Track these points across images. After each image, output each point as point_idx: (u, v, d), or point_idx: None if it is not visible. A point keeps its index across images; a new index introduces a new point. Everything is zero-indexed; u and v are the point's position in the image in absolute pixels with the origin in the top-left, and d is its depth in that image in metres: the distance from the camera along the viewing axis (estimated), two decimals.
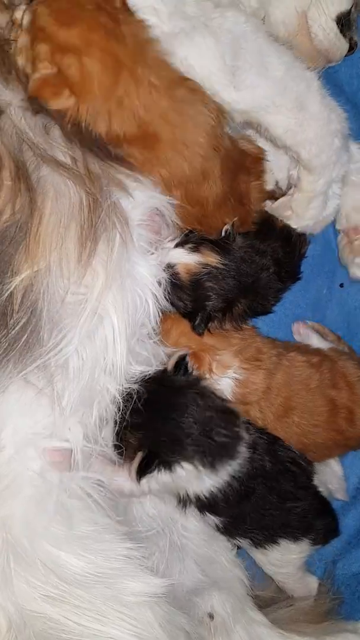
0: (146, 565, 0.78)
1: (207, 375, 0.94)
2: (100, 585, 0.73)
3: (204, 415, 0.86)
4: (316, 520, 0.99)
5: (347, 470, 1.12)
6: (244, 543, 0.98)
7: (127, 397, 0.83)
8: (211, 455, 0.85)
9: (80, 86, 0.71)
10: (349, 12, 0.96)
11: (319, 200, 0.93)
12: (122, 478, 0.86)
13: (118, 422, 0.83)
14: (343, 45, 0.98)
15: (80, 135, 0.74)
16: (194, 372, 0.91)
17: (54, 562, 0.73)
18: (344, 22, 0.96)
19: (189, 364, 0.90)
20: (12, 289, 0.69)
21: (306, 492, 0.98)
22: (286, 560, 1.00)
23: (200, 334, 0.92)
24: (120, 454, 0.85)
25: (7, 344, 0.69)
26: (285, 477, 0.96)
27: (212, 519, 0.94)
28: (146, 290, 0.82)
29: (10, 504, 0.74)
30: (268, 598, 1.07)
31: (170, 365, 0.88)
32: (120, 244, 0.76)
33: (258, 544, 0.97)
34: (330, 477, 1.06)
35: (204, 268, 0.89)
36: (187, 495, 0.89)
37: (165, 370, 0.88)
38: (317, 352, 1.06)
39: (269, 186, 1.00)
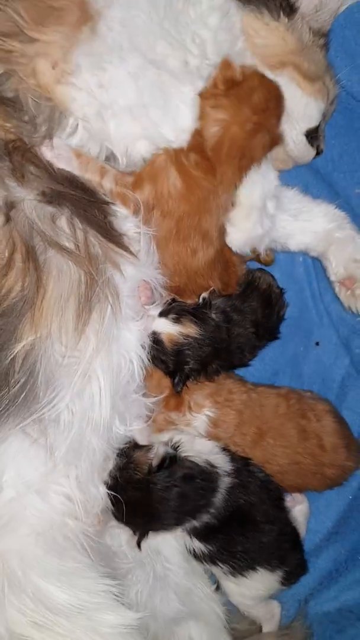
0: (123, 600, 0.86)
1: (186, 413, 1.06)
2: (81, 616, 0.82)
3: (182, 500, 1.00)
4: (291, 551, 1.07)
5: (321, 515, 1.20)
6: (221, 571, 1.06)
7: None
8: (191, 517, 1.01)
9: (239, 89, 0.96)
10: (316, 128, 1.10)
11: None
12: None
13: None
14: (310, 153, 1.12)
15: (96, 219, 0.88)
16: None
17: (43, 593, 0.82)
18: (312, 135, 1.09)
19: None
20: (14, 353, 0.79)
21: (282, 513, 1.08)
22: (257, 591, 1.07)
23: (179, 392, 1.03)
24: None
25: (8, 400, 0.79)
26: (262, 497, 1.05)
27: (197, 545, 1.05)
28: (131, 352, 0.92)
29: (8, 540, 0.83)
30: (244, 630, 1.14)
31: (155, 462, 0.99)
32: (110, 313, 0.87)
33: (237, 570, 1.05)
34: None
35: (185, 339, 1.00)
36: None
37: (142, 475, 0.99)
38: (285, 387, 1.15)
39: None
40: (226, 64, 0.96)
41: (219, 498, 1.02)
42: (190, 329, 1.00)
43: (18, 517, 0.86)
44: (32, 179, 0.83)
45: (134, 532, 1.01)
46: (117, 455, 0.98)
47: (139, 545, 1.00)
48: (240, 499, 1.03)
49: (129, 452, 0.99)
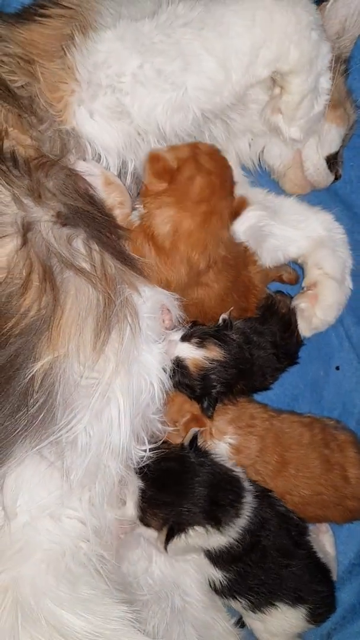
0: (139, 627, 0.83)
1: (208, 439, 1.03)
2: None
3: (212, 485, 0.97)
4: (313, 585, 1.03)
5: (342, 545, 1.17)
6: (242, 606, 1.03)
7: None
8: (218, 517, 0.97)
9: (177, 184, 0.92)
10: (336, 153, 1.10)
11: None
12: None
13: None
14: (329, 178, 1.12)
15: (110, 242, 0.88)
16: (202, 446, 1.01)
17: (57, 620, 0.80)
18: (332, 160, 1.09)
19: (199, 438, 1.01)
20: (33, 372, 0.78)
21: (302, 550, 1.04)
22: (282, 627, 1.03)
23: (211, 417, 1.01)
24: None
25: (26, 421, 0.78)
26: (282, 531, 1.02)
27: (217, 575, 1.02)
28: (152, 375, 0.91)
29: (22, 566, 0.81)
30: None
31: (186, 441, 0.99)
32: (130, 334, 0.86)
33: (257, 606, 1.02)
34: (323, 557, 1.09)
35: (210, 363, 0.99)
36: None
37: (175, 450, 0.99)
38: (308, 415, 1.13)
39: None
40: (154, 157, 0.93)
41: (246, 509, 0.99)
42: (214, 353, 0.99)
43: (31, 542, 0.83)
44: (49, 197, 0.82)
45: (162, 527, 0.97)
46: None
47: (166, 545, 0.96)
48: (260, 527, 1.01)
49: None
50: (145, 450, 0.93)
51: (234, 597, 1.03)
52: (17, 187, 0.80)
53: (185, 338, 0.99)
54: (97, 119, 0.91)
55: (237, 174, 1.17)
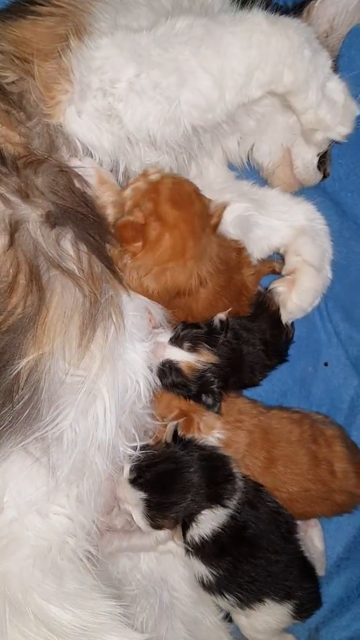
0: (128, 622, 0.84)
1: (196, 434, 1.04)
2: (84, 637, 0.80)
3: (205, 469, 0.99)
4: (300, 582, 1.04)
5: (331, 540, 1.18)
6: (229, 603, 1.04)
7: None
8: (219, 495, 1.00)
9: (149, 245, 0.92)
10: (326, 152, 1.11)
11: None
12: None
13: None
14: (318, 176, 1.14)
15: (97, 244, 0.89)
16: (183, 436, 1.02)
17: (44, 614, 0.81)
18: (320, 159, 1.10)
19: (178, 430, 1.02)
20: (19, 369, 0.79)
21: (290, 545, 1.04)
22: (267, 624, 1.04)
23: (219, 412, 1.02)
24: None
25: (11, 417, 0.79)
26: (272, 526, 1.03)
27: (205, 571, 1.02)
28: (138, 373, 0.92)
29: (9, 561, 0.82)
30: None
31: (168, 437, 1.00)
32: (114, 332, 0.87)
33: (245, 602, 1.02)
34: (312, 552, 1.11)
35: (204, 365, 1.00)
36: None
37: (162, 450, 0.99)
38: (297, 411, 1.14)
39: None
40: (122, 226, 0.93)
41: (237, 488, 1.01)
42: (208, 357, 1.00)
43: (18, 538, 0.84)
44: (37, 196, 0.83)
45: (175, 525, 0.99)
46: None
47: (185, 539, 0.99)
48: (249, 520, 1.01)
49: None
50: (135, 448, 0.93)
51: (222, 595, 1.04)
52: (4, 184, 0.81)
53: (175, 341, 0.99)
54: (84, 119, 0.92)
55: (222, 171, 1.19)
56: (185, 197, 0.96)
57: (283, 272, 1.14)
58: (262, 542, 1.02)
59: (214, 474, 1.00)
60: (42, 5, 0.94)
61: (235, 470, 1.02)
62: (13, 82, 0.90)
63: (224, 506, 0.99)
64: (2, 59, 0.90)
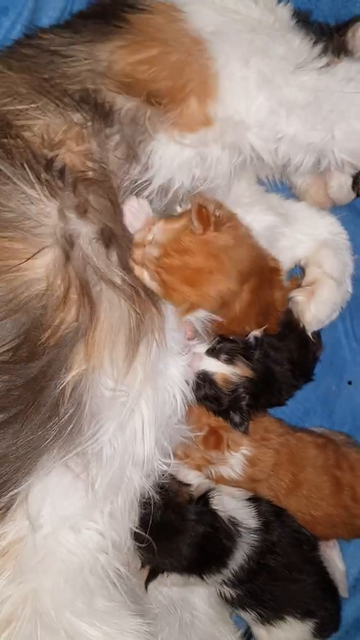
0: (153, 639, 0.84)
1: (224, 451, 1.03)
2: None
3: (201, 546, 0.98)
4: (323, 602, 1.04)
5: (348, 560, 1.17)
6: (251, 617, 1.04)
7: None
8: (199, 573, 1.00)
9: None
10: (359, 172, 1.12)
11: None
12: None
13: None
14: (351, 195, 1.15)
15: None
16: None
17: (75, 631, 0.80)
18: (355, 180, 1.11)
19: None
20: (65, 383, 0.77)
21: (313, 567, 1.05)
22: None
23: (246, 432, 1.01)
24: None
25: (57, 431, 0.77)
26: (293, 548, 1.03)
27: (228, 590, 1.02)
28: (175, 387, 0.91)
29: (42, 577, 0.81)
30: None
31: (198, 493, 1.00)
32: (156, 347, 0.86)
33: (266, 619, 1.02)
34: (333, 572, 1.10)
35: (239, 379, 0.99)
36: None
37: (182, 499, 0.99)
38: (321, 435, 1.14)
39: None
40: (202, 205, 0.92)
41: (238, 557, 1.00)
42: (244, 371, 0.99)
43: (52, 553, 0.83)
44: (92, 213, 0.82)
45: (144, 564, 0.99)
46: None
47: (146, 585, 0.99)
48: (270, 545, 1.01)
49: (170, 482, 0.98)
50: (168, 464, 0.92)
51: (244, 609, 1.04)
52: (60, 198, 0.80)
53: (212, 353, 0.99)
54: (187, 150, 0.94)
55: (252, 185, 1.19)
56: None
57: (303, 284, 1.14)
58: (284, 564, 1.02)
59: (206, 555, 0.99)
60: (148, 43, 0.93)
61: (234, 551, 1.00)
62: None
63: (202, 579, 1.00)
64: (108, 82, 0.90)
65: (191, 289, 0.90)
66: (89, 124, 0.85)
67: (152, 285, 0.88)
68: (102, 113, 0.87)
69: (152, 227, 0.88)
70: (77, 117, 0.86)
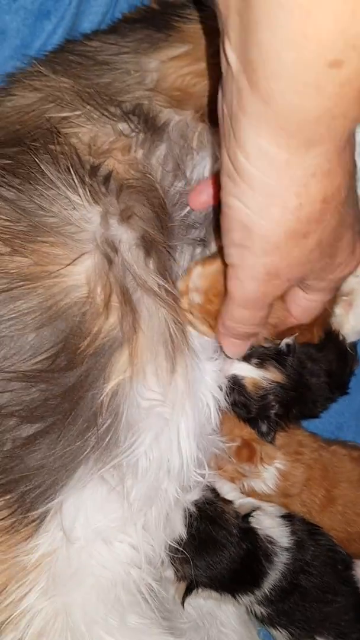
0: None
1: (258, 464, 1.02)
2: None
3: (236, 568, 0.97)
4: (356, 624, 1.01)
5: None
6: (281, 635, 1.02)
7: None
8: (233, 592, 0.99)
9: None
10: None
11: None
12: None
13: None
14: None
15: None
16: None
17: None
18: None
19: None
20: (104, 393, 0.75)
21: (347, 587, 1.02)
22: None
23: (272, 442, 0.98)
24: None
25: (95, 441, 0.75)
26: (327, 567, 1.00)
27: (258, 609, 1.01)
28: (208, 394, 0.88)
29: (74, 592, 0.79)
30: None
31: (244, 511, 0.98)
32: (191, 355, 0.84)
33: (297, 638, 1.01)
34: None
35: (269, 384, 0.97)
36: None
37: (229, 515, 0.97)
38: (356, 446, 1.11)
39: None
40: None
41: (272, 577, 0.98)
42: (275, 375, 0.97)
43: (84, 567, 0.81)
44: (134, 220, 0.80)
45: (180, 579, 0.97)
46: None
47: (183, 601, 0.97)
48: (300, 575, 0.99)
49: (215, 497, 0.97)
50: (203, 475, 0.90)
51: (275, 627, 1.02)
52: (103, 204, 0.78)
53: (243, 357, 0.96)
54: None
55: None
56: None
57: (340, 294, 1.11)
58: (317, 584, 1.00)
59: (246, 569, 0.98)
60: None
61: (271, 568, 0.99)
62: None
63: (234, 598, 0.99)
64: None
65: None
66: (136, 135, 0.84)
67: (203, 329, 0.86)
68: (150, 125, 0.85)
69: (191, 273, 0.85)
70: (124, 127, 0.84)
